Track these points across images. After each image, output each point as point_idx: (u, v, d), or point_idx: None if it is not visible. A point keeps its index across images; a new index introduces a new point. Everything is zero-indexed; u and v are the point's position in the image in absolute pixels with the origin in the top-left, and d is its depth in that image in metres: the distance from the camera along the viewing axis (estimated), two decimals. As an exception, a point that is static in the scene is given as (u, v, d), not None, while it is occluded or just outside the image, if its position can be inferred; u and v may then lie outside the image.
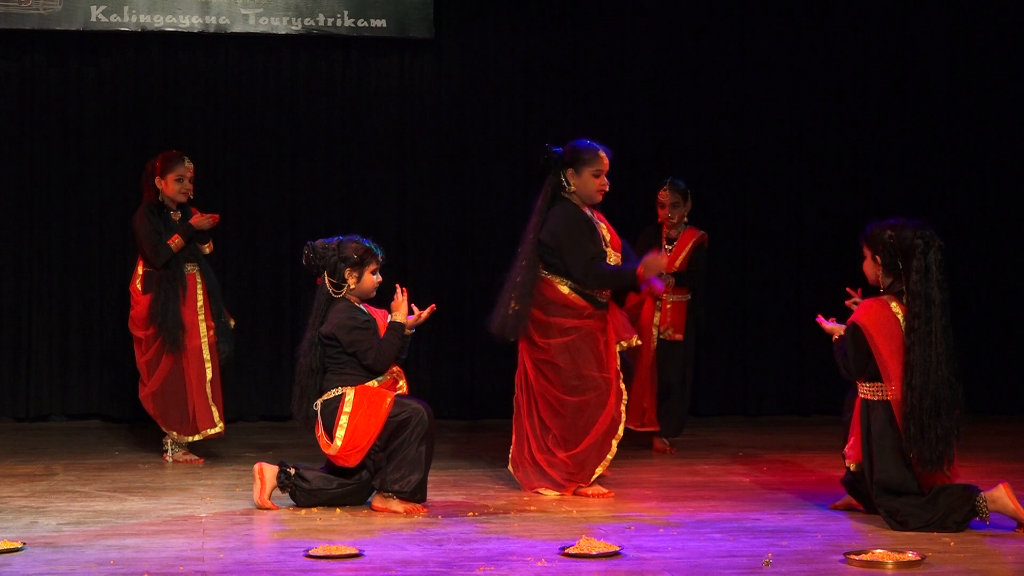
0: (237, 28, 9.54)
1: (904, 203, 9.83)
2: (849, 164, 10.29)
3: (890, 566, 4.87)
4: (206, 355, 7.61)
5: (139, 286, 7.64)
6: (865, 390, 5.73)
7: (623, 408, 6.58)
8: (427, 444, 5.99)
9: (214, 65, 9.72)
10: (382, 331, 6.08)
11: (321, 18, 9.62)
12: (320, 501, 6.09)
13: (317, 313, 6.13)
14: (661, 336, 8.05)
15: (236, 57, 9.75)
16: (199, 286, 7.65)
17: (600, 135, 6.65)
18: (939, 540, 5.33)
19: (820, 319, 6.05)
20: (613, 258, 6.59)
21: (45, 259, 9.54)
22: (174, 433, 7.57)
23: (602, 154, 6.60)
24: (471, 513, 5.95)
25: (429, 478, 6.07)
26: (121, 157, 9.51)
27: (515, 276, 6.56)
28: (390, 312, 6.13)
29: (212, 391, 7.61)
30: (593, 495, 6.44)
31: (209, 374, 7.61)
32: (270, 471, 6.12)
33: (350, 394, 6.00)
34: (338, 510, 5.99)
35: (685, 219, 8.19)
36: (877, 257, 5.77)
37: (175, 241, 7.51)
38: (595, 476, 6.52)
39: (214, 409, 7.59)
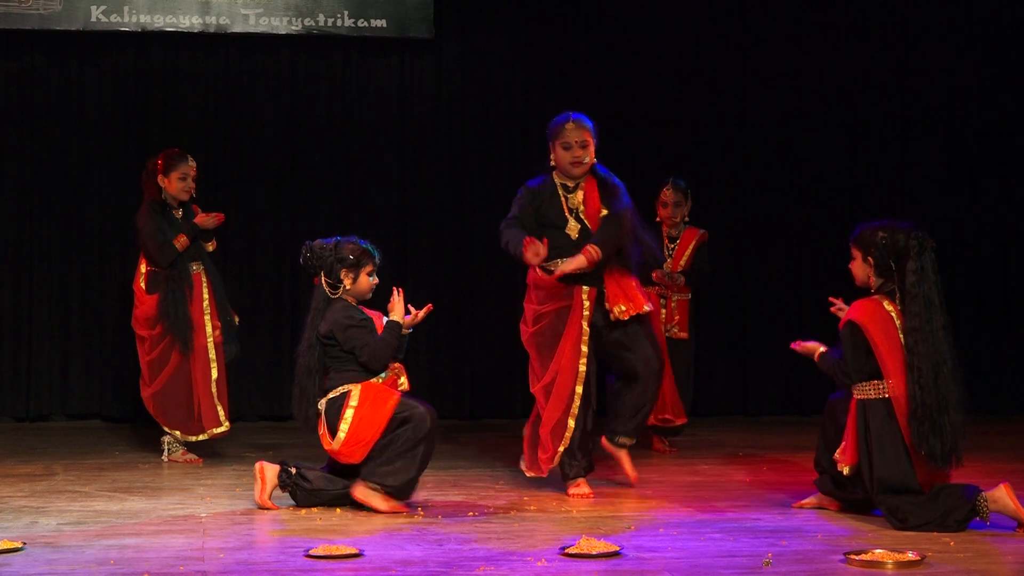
0: (237, 28, 9.54)
1: (904, 203, 9.85)
2: (849, 164, 10.29)
3: (890, 566, 4.87)
4: (212, 354, 7.60)
5: (143, 285, 7.61)
6: (861, 390, 5.74)
7: (579, 389, 6.38)
8: (425, 445, 5.96)
9: (214, 65, 9.73)
10: (379, 332, 6.07)
11: (321, 18, 9.62)
12: (321, 501, 6.07)
13: (315, 313, 6.12)
14: (666, 334, 8.06)
15: (236, 57, 9.76)
16: (204, 285, 7.65)
17: (600, 135, 6.59)
18: (939, 540, 5.32)
19: (794, 345, 6.11)
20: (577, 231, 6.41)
21: (45, 259, 9.54)
22: (177, 432, 7.57)
23: (569, 125, 6.38)
24: (471, 513, 5.95)
25: (429, 478, 6.06)
26: (121, 157, 9.51)
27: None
28: (386, 314, 6.12)
29: (218, 390, 7.60)
30: (574, 495, 6.39)
31: (215, 373, 7.60)
32: (271, 470, 6.11)
33: (356, 390, 5.98)
34: (338, 510, 5.99)
35: (686, 218, 8.22)
36: (869, 258, 5.78)
37: (180, 241, 7.50)
38: (558, 455, 6.42)
39: (220, 408, 7.59)
